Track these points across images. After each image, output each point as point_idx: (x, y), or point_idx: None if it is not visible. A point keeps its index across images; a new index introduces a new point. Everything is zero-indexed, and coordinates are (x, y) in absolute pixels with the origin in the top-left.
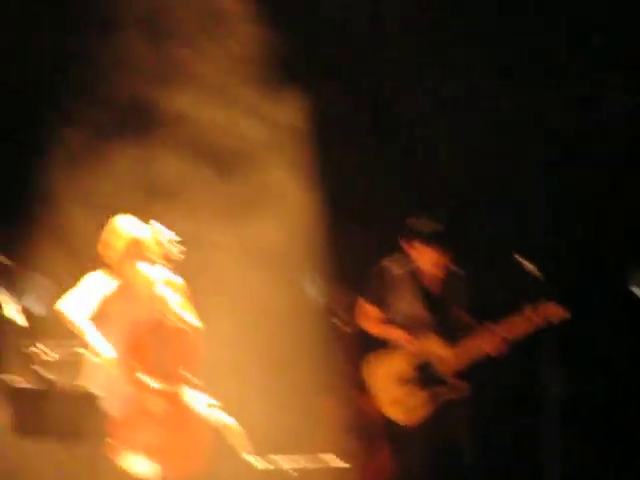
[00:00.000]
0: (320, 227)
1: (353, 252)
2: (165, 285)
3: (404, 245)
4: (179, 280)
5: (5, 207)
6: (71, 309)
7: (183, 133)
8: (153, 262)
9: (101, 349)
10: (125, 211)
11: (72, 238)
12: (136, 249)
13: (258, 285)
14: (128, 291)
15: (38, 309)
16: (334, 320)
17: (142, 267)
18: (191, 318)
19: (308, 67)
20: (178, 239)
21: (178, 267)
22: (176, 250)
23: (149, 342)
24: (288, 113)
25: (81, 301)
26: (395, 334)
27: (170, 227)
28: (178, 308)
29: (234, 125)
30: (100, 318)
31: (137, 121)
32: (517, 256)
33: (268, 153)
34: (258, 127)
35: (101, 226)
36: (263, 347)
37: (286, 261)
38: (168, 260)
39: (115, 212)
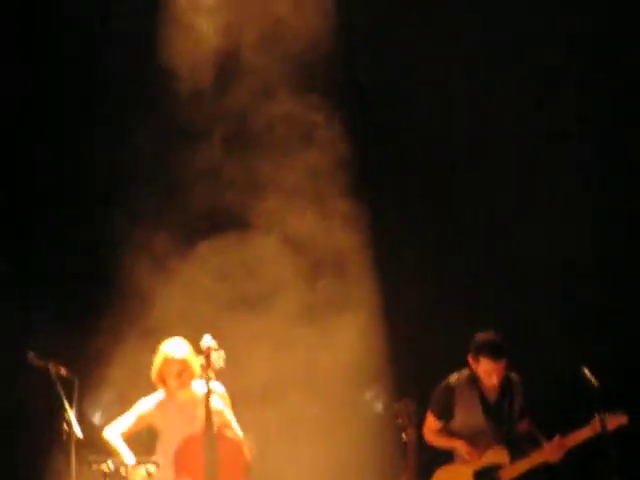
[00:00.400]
0: (385, 340)
1: (417, 364)
2: (207, 393)
3: (469, 359)
4: (220, 389)
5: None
6: (109, 431)
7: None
8: (193, 377)
9: (129, 459)
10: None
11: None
12: (168, 367)
13: (325, 401)
14: (179, 410)
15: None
16: (400, 432)
17: (185, 384)
18: (236, 425)
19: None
20: (217, 347)
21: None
22: (216, 358)
23: (198, 452)
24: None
25: (122, 422)
26: (457, 444)
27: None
28: (225, 418)
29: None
30: (158, 438)
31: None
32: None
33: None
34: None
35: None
36: (330, 461)
37: (352, 377)
38: (209, 369)
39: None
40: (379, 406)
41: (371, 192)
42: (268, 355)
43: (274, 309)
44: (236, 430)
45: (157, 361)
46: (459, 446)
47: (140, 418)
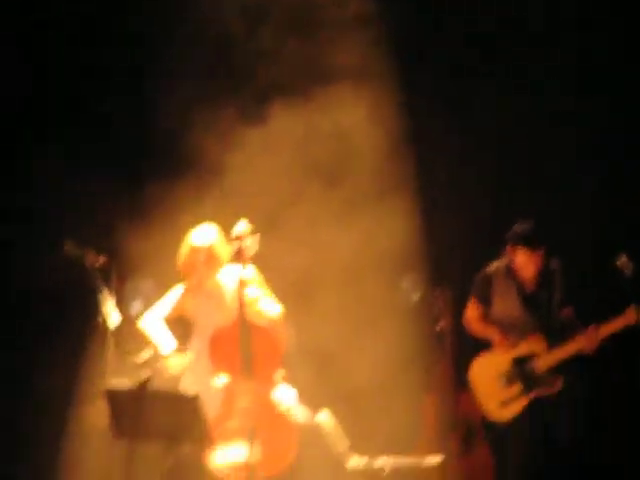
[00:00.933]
0: (423, 228)
1: (454, 253)
2: (239, 284)
3: (508, 249)
4: (251, 273)
5: (115, 218)
6: (144, 321)
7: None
8: (220, 265)
9: (164, 349)
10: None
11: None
12: (194, 255)
13: (363, 288)
14: (209, 297)
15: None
16: (436, 321)
17: (212, 273)
18: (271, 306)
19: None
20: (250, 233)
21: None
22: (248, 245)
23: (233, 342)
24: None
25: (154, 312)
26: (492, 333)
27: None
28: (256, 304)
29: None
30: (191, 328)
31: None
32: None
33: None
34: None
35: None
36: (365, 349)
37: (389, 264)
38: (240, 256)
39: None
40: (415, 295)
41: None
42: (310, 241)
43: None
44: (272, 311)
45: (183, 250)
46: (492, 334)
47: (172, 307)
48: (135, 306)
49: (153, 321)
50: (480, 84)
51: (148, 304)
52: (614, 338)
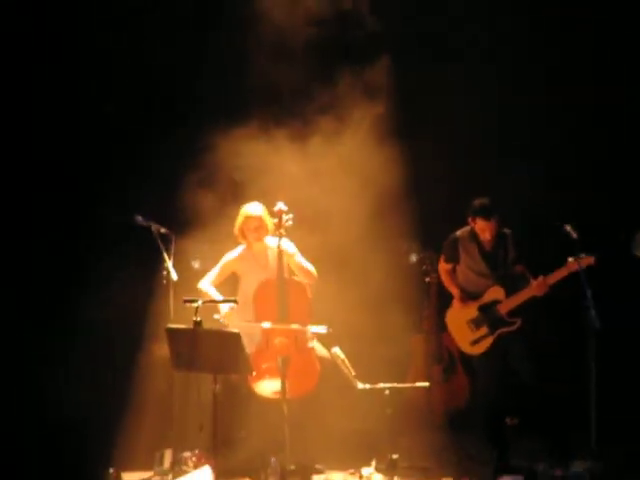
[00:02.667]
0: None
1: (438, 226)
2: (278, 248)
3: (469, 219)
4: (289, 244)
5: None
6: (202, 283)
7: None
8: (267, 233)
9: (221, 306)
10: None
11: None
12: (247, 223)
13: (367, 249)
14: (254, 258)
15: (198, 268)
16: (426, 275)
17: (260, 238)
18: (307, 266)
19: None
20: (287, 211)
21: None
22: (286, 219)
23: (272, 294)
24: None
25: (211, 274)
26: (454, 291)
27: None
28: (295, 263)
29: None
30: (240, 282)
31: None
32: (559, 223)
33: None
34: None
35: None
36: (369, 297)
37: (390, 228)
38: (281, 228)
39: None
40: (413, 257)
41: None
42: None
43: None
44: (307, 267)
45: (239, 219)
46: (454, 291)
47: (225, 268)
48: (194, 265)
49: (209, 281)
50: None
51: (204, 263)
52: (559, 284)
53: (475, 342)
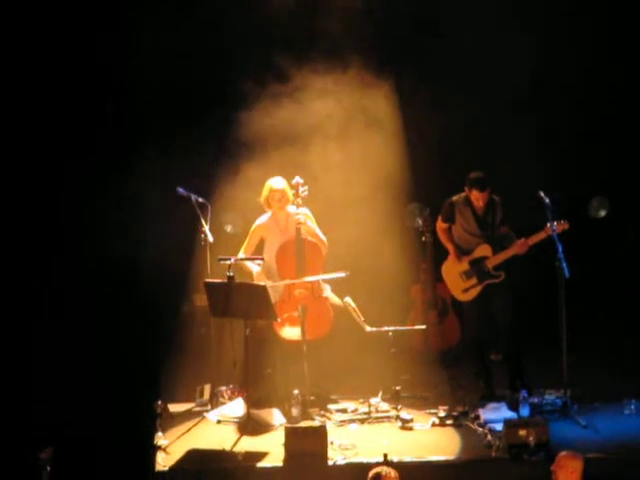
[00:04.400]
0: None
1: (436, 190)
2: (299, 216)
3: (466, 188)
4: (306, 211)
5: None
6: (241, 254)
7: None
8: (288, 202)
9: (253, 267)
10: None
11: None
12: (272, 194)
13: (380, 214)
14: (276, 224)
15: (230, 231)
16: (423, 235)
17: (283, 206)
18: (319, 232)
19: None
20: (303, 183)
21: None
22: (303, 190)
23: (291, 253)
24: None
25: (245, 245)
26: (449, 247)
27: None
28: (310, 229)
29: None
30: (265, 245)
31: None
32: (540, 192)
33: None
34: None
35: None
36: (375, 253)
37: (394, 190)
38: (298, 198)
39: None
40: (418, 221)
41: None
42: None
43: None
44: (320, 235)
45: (264, 190)
46: (449, 247)
47: (254, 236)
48: (227, 229)
49: (242, 250)
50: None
51: (235, 228)
52: (537, 245)
53: (465, 290)
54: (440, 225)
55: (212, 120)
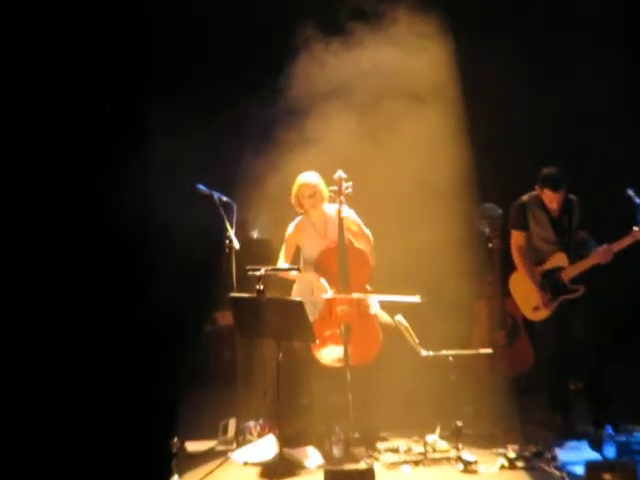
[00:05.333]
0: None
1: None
2: (338, 215)
3: (537, 188)
4: (349, 211)
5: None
6: (280, 263)
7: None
8: (323, 200)
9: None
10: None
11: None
12: (302, 190)
13: (433, 215)
14: (313, 226)
15: (261, 236)
16: (489, 240)
17: (316, 204)
18: (366, 231)
19: None
20: (347, 178)
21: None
22: (347, 187)
23: (333, 262)
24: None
25: (281, 254)
26: (520, 266)
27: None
28: (354, 226)
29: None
30: (302, 252)
31: None
32: (629, 190)
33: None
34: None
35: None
36: (432, 262)
37: (458, 194)
38: (341, 195)
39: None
40: (484, 223)
41: None
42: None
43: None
44: (366, 232)
45: (294, 187)
46: (523, 270)
47: (290, 243)
48: (253, 235)
49: (281, 261)
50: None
51: (263, 232)
52: (623, 252)
53: (537, 308)
54: (517, 239)
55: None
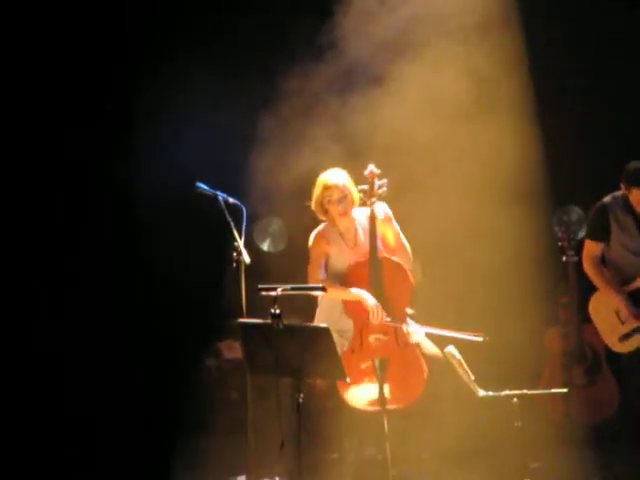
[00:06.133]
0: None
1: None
2: (370, 219)
3: (623, 186)
4: (383, 207)
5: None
6: (319, 278)
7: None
8: (354, 204)
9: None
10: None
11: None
12: (328, 193)
13: (503, 222)
14: (341, 237)
15: (271, 248)
16: (564, 252)
17: (346, 211)
18: (404, 240)
19: None
20: (379, 172)
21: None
22: (379, 185)
23: (364, 278)
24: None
25: (315, 267)
26: (599, 283)
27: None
28: (387, 233)
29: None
30: (326, 265)
31: None
32: None
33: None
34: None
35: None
36: (490, 280)
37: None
38: (373, 196)
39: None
40: (560, 231)
41: None
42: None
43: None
44: (404, 244)
45: (317, 190)
46: (602, 286)
47: (319, 254)
48: (264, 246)
49: (321, 274)
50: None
51: (276, 243)
52: None
53: (625, 337)
54: (590, 249)
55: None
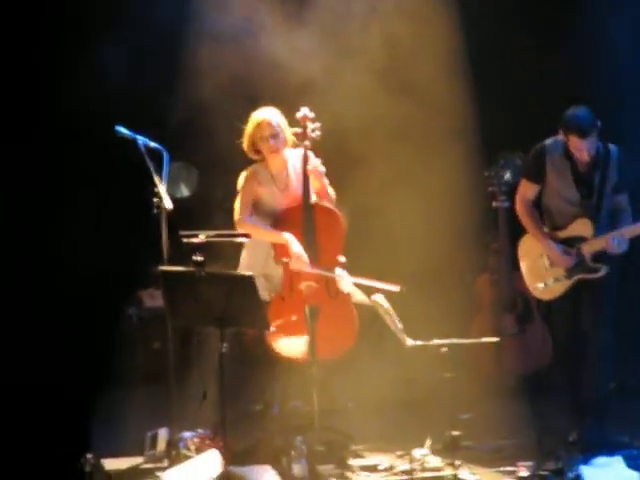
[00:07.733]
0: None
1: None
2: (303, 163)
3: (560, 132)
4: (315, 160)
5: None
6: (243, 219)
7: None
8: (286, 144)
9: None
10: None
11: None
12: (259, 131)
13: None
14: (272, 178)
15: (184, 193)
16: (494, 197)
17: (277, 149)
18: (330, 191)
19: None
20: (313, 116)
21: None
22: (313, 128)
23: (296, 224)
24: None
25: (242, 207)
26: (530, 227)
27: None
28: (315, 184)
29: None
30: (254, 206)
31: None
32: None
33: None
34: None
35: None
36: (420, 227)
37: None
38: (306, 139)
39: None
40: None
41: None
42: None
43: None
44: (330, 195)
45: (248, 127)
46: (532, 231)
47: (249, 192)
48: (183, 192)
49: (248, 214)
50: None
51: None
52: None
53: (548, 284)
54: (525, 190)
55: None
